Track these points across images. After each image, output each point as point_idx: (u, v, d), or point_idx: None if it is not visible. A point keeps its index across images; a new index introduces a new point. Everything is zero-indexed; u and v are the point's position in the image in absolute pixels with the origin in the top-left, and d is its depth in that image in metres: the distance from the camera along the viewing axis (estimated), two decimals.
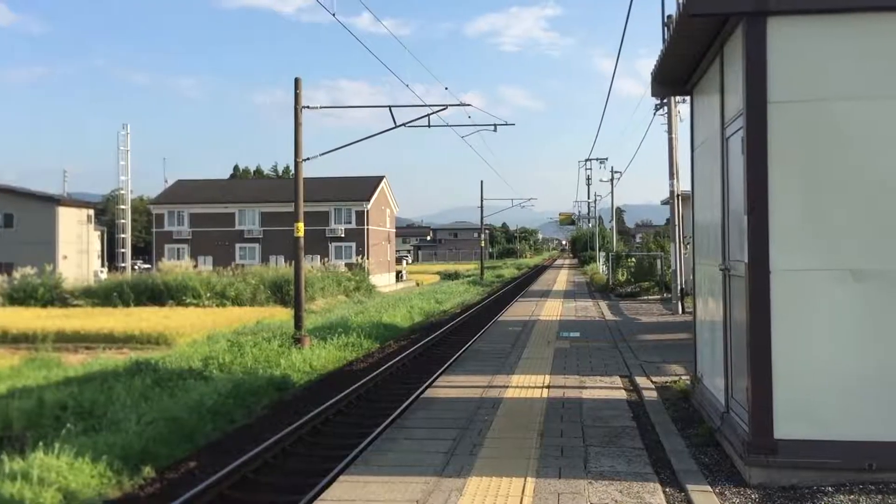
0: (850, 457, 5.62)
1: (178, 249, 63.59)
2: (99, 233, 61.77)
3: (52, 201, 53.62)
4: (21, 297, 37.54)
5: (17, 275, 40.01)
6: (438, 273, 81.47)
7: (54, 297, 37.68)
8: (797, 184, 5.78)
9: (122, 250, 52.41)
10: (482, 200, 64.29)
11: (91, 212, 57.67)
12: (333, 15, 15.64)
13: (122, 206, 53.01)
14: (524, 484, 6.00)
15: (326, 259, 59.53)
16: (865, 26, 5.72)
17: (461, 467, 6.48)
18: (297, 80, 20.81)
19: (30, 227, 50.67)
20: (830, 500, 5.39)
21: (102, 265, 60.44)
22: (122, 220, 52.98)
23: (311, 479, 8.98)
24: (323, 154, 22.62)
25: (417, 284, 63.89)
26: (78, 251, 53.73)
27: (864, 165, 5.71)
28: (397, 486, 6.01)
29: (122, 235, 52.94)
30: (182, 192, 68.51)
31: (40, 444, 9.76)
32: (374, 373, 15.76)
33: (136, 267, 57.82)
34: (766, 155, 5.76)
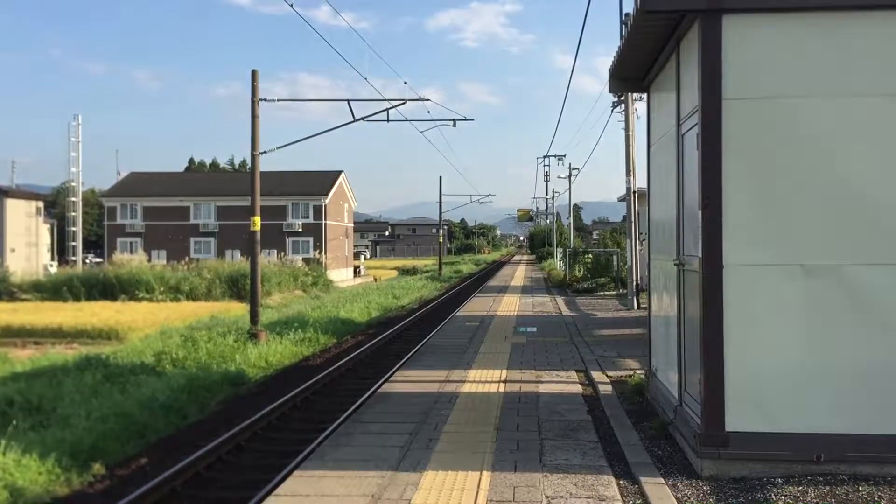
0: (798, 449, 5.72)
1: (131, 243, 62.50)
2: (49, 226, 60.35)
3: (0, 193, 52.30)
4: None
5: None
6: (397, 268, 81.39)
7: (1, 290, 36.76)
8: (751, 180, 5.86)
9: (73, 243, 51.35)
10: (440, 196, 64.35)
11: (41, 204, 56.29)
12: (291, 6, 15.47)
13: (73, 199, 51.93)
14: (480, 478, 6.00)
15: (283, 254, 59.01)
16: (819, 24, 5.82)
17: (417, 461, 6.46)
18: (253, 73, 20.57)
19: None
20: (780, 491, 5.49)
21: (52, 259, 59.09)
22: (73, 213, 51.89)
23: (265, 475, 8.89)
24: (280, 147, 22.40)
25: (375, 280, 63.68)
26: (26, 244, 52.44)
27: (817, 162, 5.81)
28: (352, 480, 5.97)
29: (73, 228, 51.86)
30: (136, 184, 67.30)
31: None
32: (331, 368, 15.66)
33: (87, 261, 56.73)
34: (721, 151, 5.83)
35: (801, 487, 5.53)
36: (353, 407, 11.87)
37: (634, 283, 21.87)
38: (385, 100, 22.64)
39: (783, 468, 5.75)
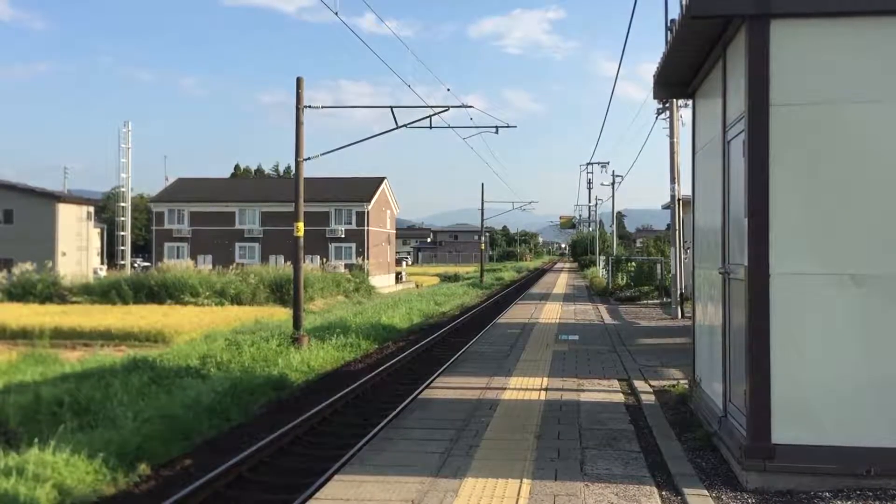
0: (847, 462, 5.59)
1: (178, 248, 63.59)
2: (99, 230, 61.76)
3: (53, 198, 53.59)
4: (19, 293, 37.51)
5: (15, 271, 39.97)
6: (438, 275, 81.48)
7: (53, 293, 37.64)
8: (799, 187, 5.75)
9: (122, 248, 52.35)
10: (483, 203, 64.29)
11: (91, 209, 57.64)
12: (336, 14, 15.62)
13: (123, 204, 52.94)
14: (520, 486, 5.97)
15: (326, 259, 59.51)
16: (868, 29, 5.70)
17: (457, 468, 6.45)
18: (298, 80, 20.79)
19: (29, 223, 50.63)
20: None
21: (102, 262, 60.41)
22: (122, 218, 52.91)
23: (306, 479, 8.96)
24: (324, 154, 22.59)
25: (417, 286, 63.85)
26: (77, 248, 53.70)
27: (867, 169, 5.68)
28: (392, 485, 5.98)
29: (122, 233, 52.88)
30: (183, 190, 68.48)
31: (36, 440, 9.72)
32: (372, 373, 15.73)
33: (135, 265, 57.78)
34: (768, 158, 5.73)
35: (849, 502, 5.39)
36: (394, 412, 11.89)
37: (678, 292, 21.61)
38: (428, 106, 22.69)
39: (832, 482, 5.62)
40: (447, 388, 10.46)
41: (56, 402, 12.50)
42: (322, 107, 24.12)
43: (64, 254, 51.29)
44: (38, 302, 36.04)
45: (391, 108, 22.07)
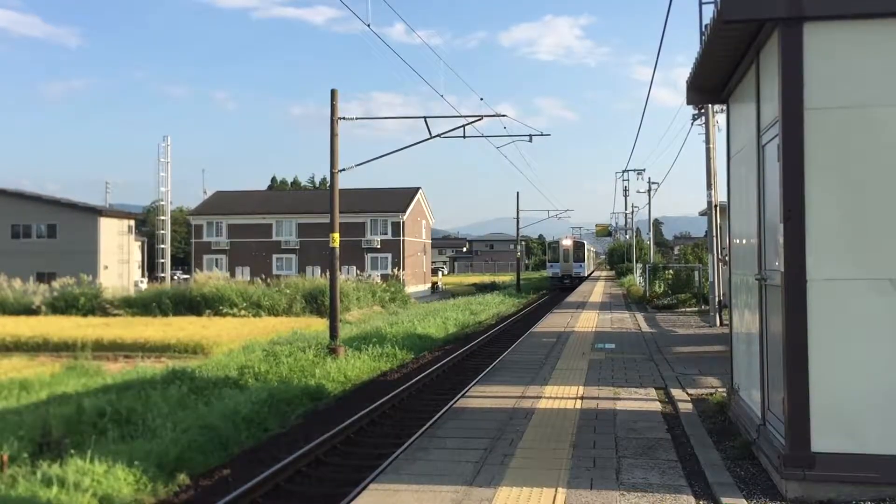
0: (889, 471, 5.47)
1: (217, 260, 64.40)
2: (139, 243, 62.76)
3: (95, 212, 54.63)
4: (62, 306, 38.22)
5: (56, 285, 40.75)
6: (474, 284, 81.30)
7: (95, 306, 38.28)
8: (835, 191, 5.67)
9: (162, 260, 53.13)
10: (518, 212, 64.16)
11: (132, 222, 58.65)
12: (368, 25, 15.75)
13: (162, 217, 53.77)
14: (555, 495, 5.94)
15: (362, 270, 59.79)
16: None
17: (492, 477, 6.44)
18: (333, 92, 20.97)
19: (72, 237, 51.70)
20: None
21: (143, 275, 61.36)
22: (162, 231, 53.74)
23: (342, 488, 8.99)
24: (359, 164, 22.73)
25: (453, 296, 63.81)
26: (119, 261, 54.64)
27: None
28: (427, 494, 5.98)
29: (162, 246, 53.68)
30: (220, 203, 69.40)
31: (76, 450, 9.89)
32: (408, 383, 15.76)
33: (175, 277, 58.60)
34: (803, 162, 5.66)
35: None
36: (430, 422, 11.89)
37: (717, 299, 21.34)
38: (461, 116, 22.74)
39: (873, 491, 5.50)
40: (482, 396, 10.44)
41: (97, 412, 12.69)
42: (356, 118, 24.34)
43: (106, 267, 52.21)
44: (81, 315, 36.69)
45: (425, 118, 22.16)
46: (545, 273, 72.75)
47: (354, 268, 59.78)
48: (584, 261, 63.54)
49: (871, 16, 5.64)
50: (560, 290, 57.09)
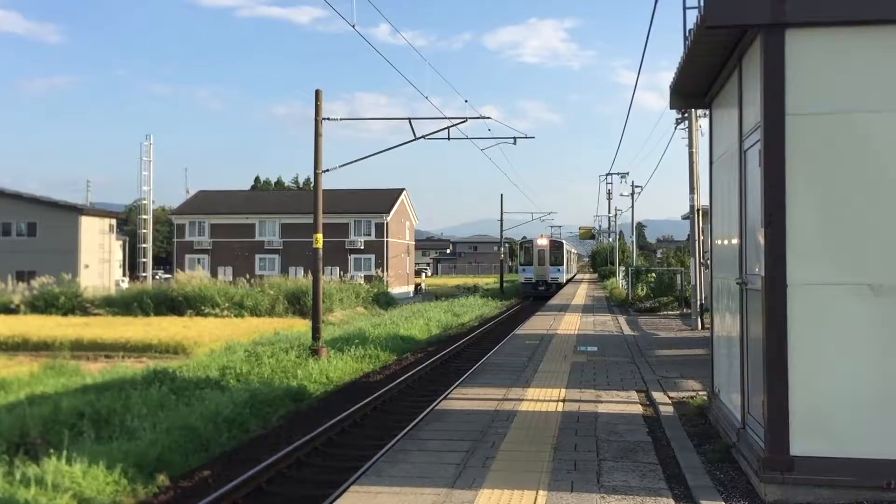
0: (867, 474, 5.52)
1: (199, 259, 64.01)
2: (121, 242, 62.34)
3: (76, 210, 54.21)
4: (42, 305, 37.89)
5: (35, 283, 40.39)
6: (458, 286, 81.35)
7: (75, 305, 37.97)
8: (815, 197, 5.71)
9: (144, 260, 52.74)
10: (502, 214, 64.29)
11: (113, 221, 58.24)
12: (353, 26, 15.71)
13: (144, 216, 53.36)
14: (536, 497, 5.95)
15: (345, 271, 59.66)
16: (883, 37, 5.66)
17: (473, 479, 6.44)
18: (317, 92, 20.90)
19: (53, 235, 51.23)
20: None
21: (124, 274, 60.96)
22: (144, 230, 53.33)
23: (323, 490, 8.96)
24: (343, 165, 22.65)
25: (437, 298, 63.76)
26: (100, 260, 54.24)
27: (884, 178, 5.63)
28: (408, 497, 5.98)
29: (144, 245, 53.28)
30: (203, 202, 69.02)
31: (54, 450, 9.80)
32: (391, 384, 15.74)
33: (157, 277, 58.19)
34: (784, 167, 5.70)
35: None
36: (412, 424, 11.88)
37: (698, 303, 21.46)
38: (445, 118, 22.73)
39: (851, 494, 5.55)
40: (465, 398, 10.45)
41: (76, 413, 12.58)
42: (341, 118, 24.26)
43: (87, 266, 51.80)
44: (61, 314, 36.37)
45: (409, 120, 22.14)
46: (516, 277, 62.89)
47: (338, 269, 59.62)
48: (562, 264, 54.77)
49: (852, 23, 5.69)
50: (534, 298, 49.21)
